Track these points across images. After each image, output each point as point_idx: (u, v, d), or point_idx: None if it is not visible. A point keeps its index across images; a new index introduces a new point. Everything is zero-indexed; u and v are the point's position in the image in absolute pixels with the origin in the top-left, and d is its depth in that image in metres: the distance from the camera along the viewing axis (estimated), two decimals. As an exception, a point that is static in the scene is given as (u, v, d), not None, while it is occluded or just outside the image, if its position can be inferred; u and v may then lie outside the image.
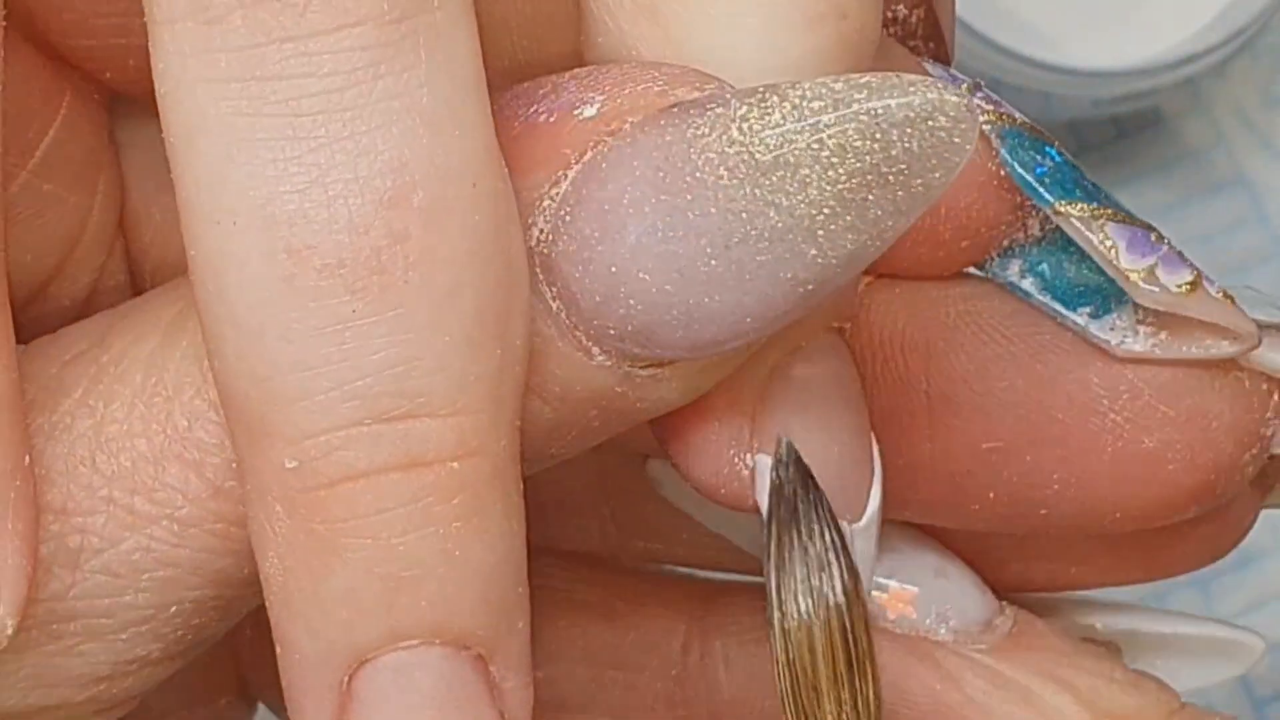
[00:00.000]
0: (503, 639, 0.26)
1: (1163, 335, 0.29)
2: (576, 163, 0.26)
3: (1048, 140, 0.30)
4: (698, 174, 0.25)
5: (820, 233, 0.25)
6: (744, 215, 0.25)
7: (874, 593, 0.32)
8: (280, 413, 0.25)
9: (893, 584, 0.32)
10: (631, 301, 0.25)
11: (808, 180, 0.25)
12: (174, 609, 0.27)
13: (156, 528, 0.27)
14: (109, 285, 0.31)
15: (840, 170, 0.25)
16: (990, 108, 0.29)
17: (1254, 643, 0.35)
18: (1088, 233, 0.29)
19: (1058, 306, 0.30)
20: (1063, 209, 0.29)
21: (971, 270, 0.31)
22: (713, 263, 0.25)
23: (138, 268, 0.31)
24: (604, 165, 0.26)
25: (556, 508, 0.36)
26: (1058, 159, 0.29)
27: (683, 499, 0.34)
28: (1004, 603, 0.33)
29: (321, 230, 0.24)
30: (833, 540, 0.28)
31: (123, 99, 0.30)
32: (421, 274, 0.25)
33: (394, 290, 0.25)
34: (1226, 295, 0.29)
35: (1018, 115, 0.30)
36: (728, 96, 0.25)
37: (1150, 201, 0.61)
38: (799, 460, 0.28)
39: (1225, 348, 0.29)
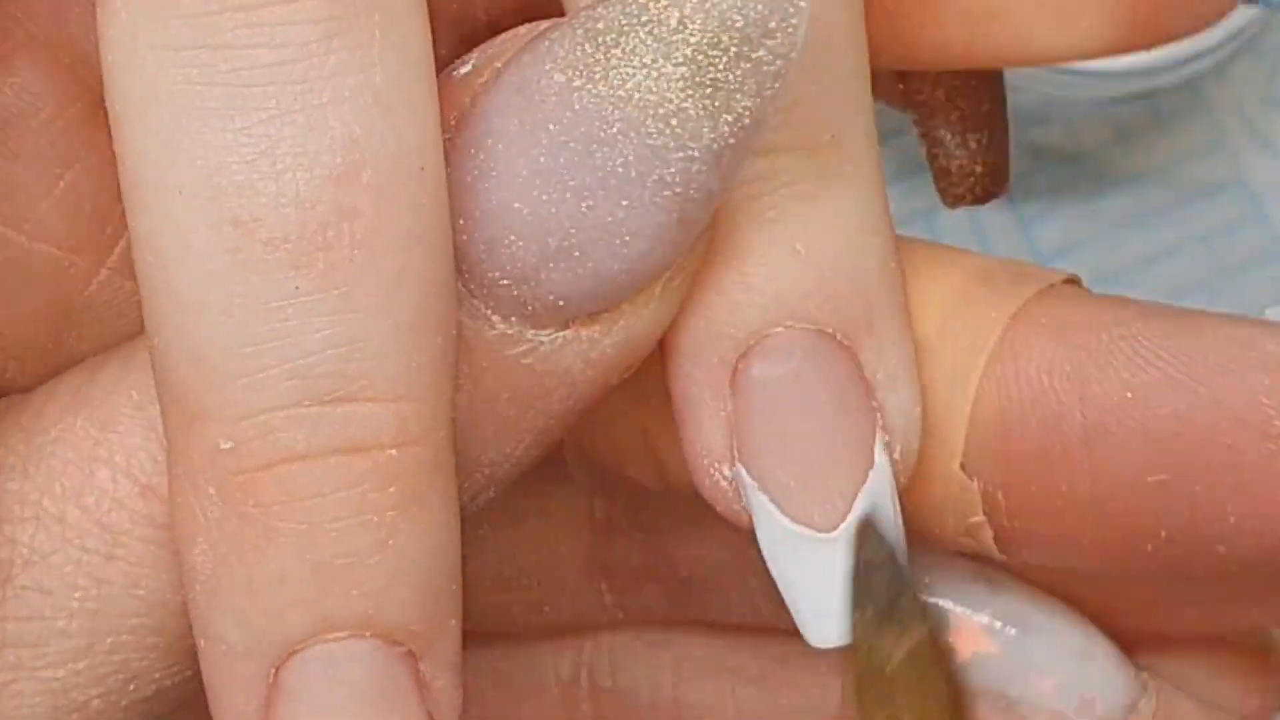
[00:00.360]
0: (435, 636, 0.26)
1: None
2: (456, 122, 0.26)
3: None
4: (552, 83, 0.25)
5: (674, 120, 0.25)
6: (598, 113, 0.25)
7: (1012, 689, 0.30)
8: (217, 391, 0.24)
9: (1033, 675, 0.30)
10: (513, 236, 0.25)
11: (651, 64, 0.25)
12: (110, 641, 0.26)
13: (87, 538, 0.26)
14: None
15: (683, 48, 0.25)
16: None
17: None
18: None
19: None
20: None
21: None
22: (579, 173, 0.25)
23: None
24: (475, 108, 0.25)
25: (702, 584, 0.34)
26: None
27: None
28: (1147, 678, 0.31)
29: (269, 203, 0.24)
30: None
31: None
32: (368, 254, 0.24)
33: (339, 269, 0.24)
34: None
35: None
36: (577, 10, 0.25)
37: (1150, 201, 0.61)
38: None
39: None
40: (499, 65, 0.26)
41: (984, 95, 0.33)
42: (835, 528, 0.27)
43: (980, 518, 0.28)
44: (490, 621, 0.34)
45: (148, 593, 0.26)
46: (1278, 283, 0.59)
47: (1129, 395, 0.27)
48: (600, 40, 0.25)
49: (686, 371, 0.27)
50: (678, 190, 0.25)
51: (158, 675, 0.27)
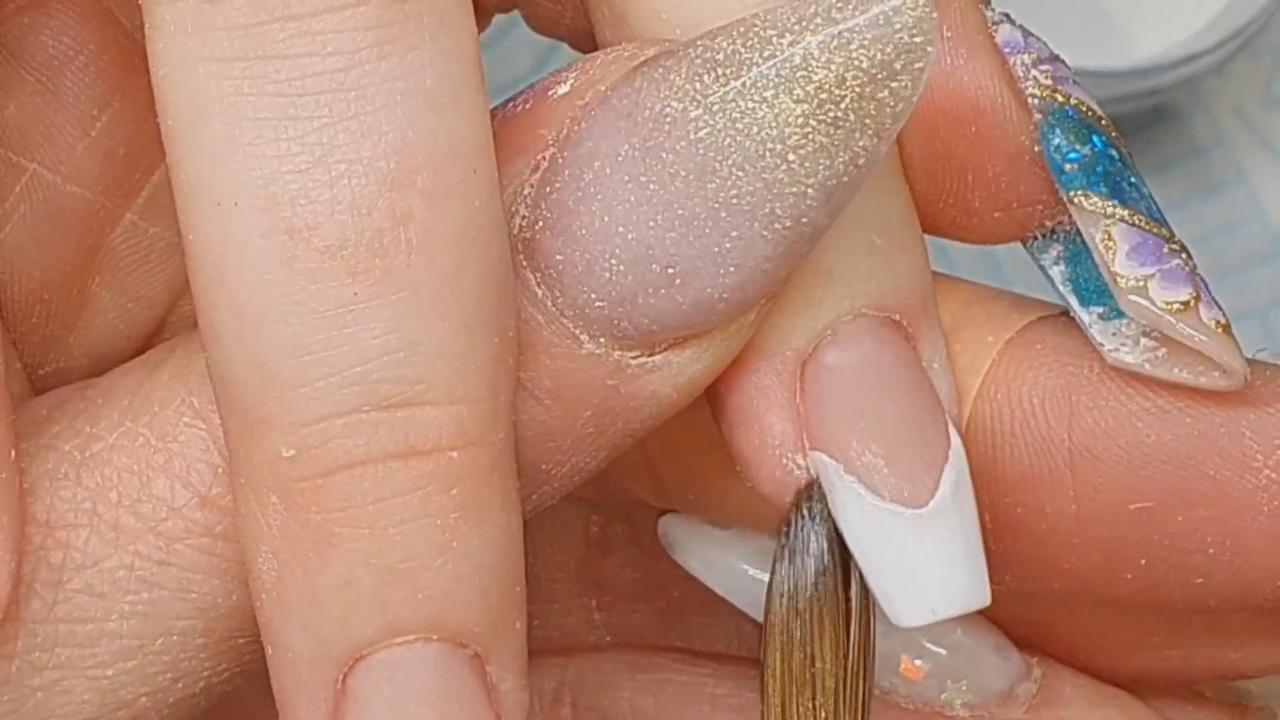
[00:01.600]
0: (500, 638, 0.26)
1: (1161, 352, 0.28)
2: (554, 142, 0.26)
3: (1100, 128, 0.29)
4: (667, 110, 0.25)
5: (791, 157, 0.25)
6: (714, 145, 0.25)
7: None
8: (278, 399, 0.24)
9: (904, 658, 0.31)
10: (614, 261, 0.25)
11: (773, 100, 0.25)
12: (160, 642, 0.27)
13: (141, 543, 0.26)
14: None
15: (805, 85, 0.25)
16: (1048, 83, 0.28)
17: None
18: (1090, 228, 0.28)
19: (1073, 300, 0.29)
20: (1076, 199, 0.28)
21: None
22: (690, 202, 0.25)
23: None
24: (578, 131, 0.25)
25: (691, 607, 0.34)
26: (1100, 147, 0.28)
27: (693, 561, 0.32)
28: (1035, 663, 0.31)
29: (324, 211, 0.24)
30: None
31: None
32: (424, 257, 0.24)
33: (396, 273, 0.24)
34: (1224, 327, 0.28)
35: (1077, 96, 0.29)
36: (691, 39, 0.25)
37: (1150, 201, 0.61)
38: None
39: (1215, 379, 0.27)
40: (602, 88, 0.26)
41: None
42: (926, 503, 0.27)
43: None
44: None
45: (199, 597, 0.26)
46: (1278, 283, 0.59)
47: (1116, 423, 0.28)
48: (720, 72, 0.25)
49: (755, 367, 0.27)
50: (788, 225, 0.25)
51: (205, 673, 0.27)
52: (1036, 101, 0.28)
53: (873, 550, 0.27)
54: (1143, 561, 0.28)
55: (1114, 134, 0.29)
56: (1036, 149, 0.28)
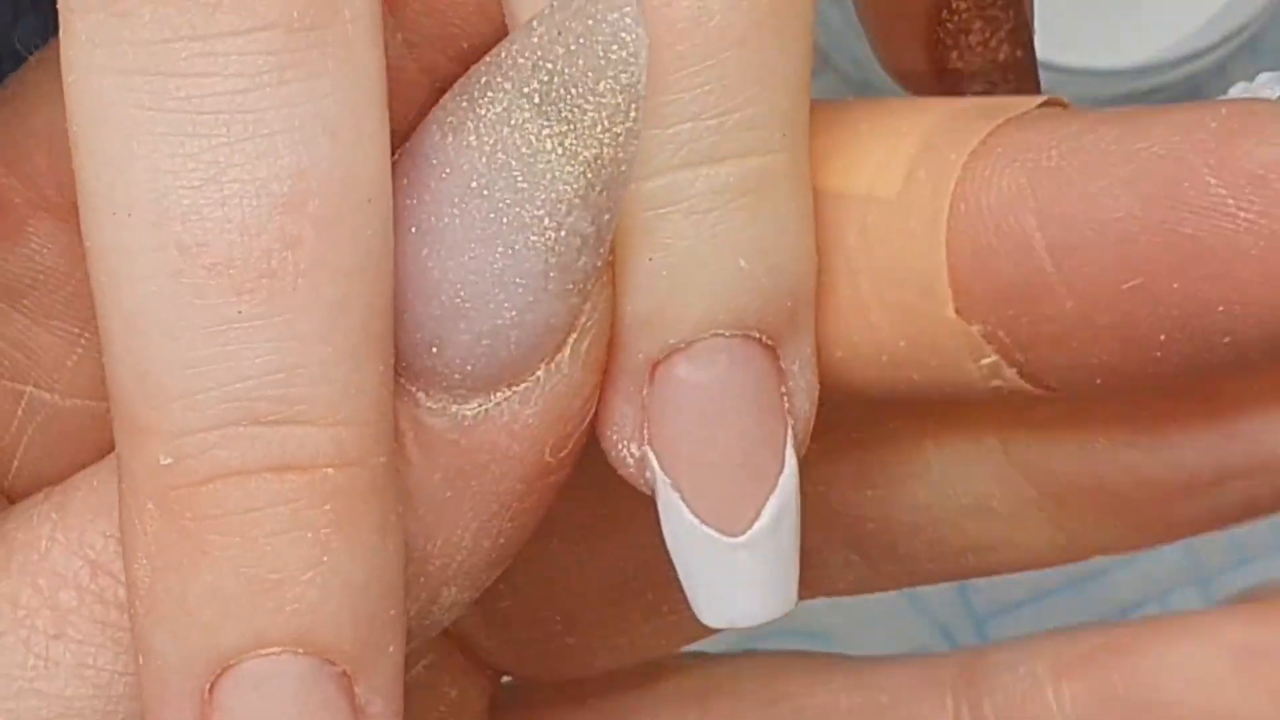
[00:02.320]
0: (370, 659, 0.26)
1: None
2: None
3: None
4: (433, 144, 0.26)
5: (535, 162, 0.25)
6: (470, 167, 0.26)
7: None
8: (159, 409, 0.25)
9: None
10: (415, 300, 0.26)
11: (510, 110, 0.25)
12: None
13: (38, 617, 0.27)
14: None
15: (531, 93, 0.25)
16: None
17: None
18: None
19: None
20: None
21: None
22: (460, 229, 0.26)
23: None
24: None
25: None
26: None
27: None
28: None
29: (214, 229, 0.25)
30: None
31: None
32: (311, 281, 0.25)
33: (282, 296, 0.25)
34: None
35: None
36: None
37: (1151, 200, 0.60)
38: None
39: None
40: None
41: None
42: (743, 533, 0.28)
43: (993, 357, 0.28)
44: (619, 635, 0.35)
45: (94, 674, 0.27)
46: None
47: (1082, 206, 0.27)
48: (472, 94, 0.26)
49: (613, 359, 0.27)
50: (549, 233, 0.26)
51: None
52: None
53: (684, 561, 0.28)
54: (1162, 337, 0.27)
55: None
56: None
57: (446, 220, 0.26)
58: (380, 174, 0.25)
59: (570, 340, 0.27)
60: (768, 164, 0.27)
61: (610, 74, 0.26)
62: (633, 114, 0.26)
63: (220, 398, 0.25)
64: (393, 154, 0.26)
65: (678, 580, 0.31)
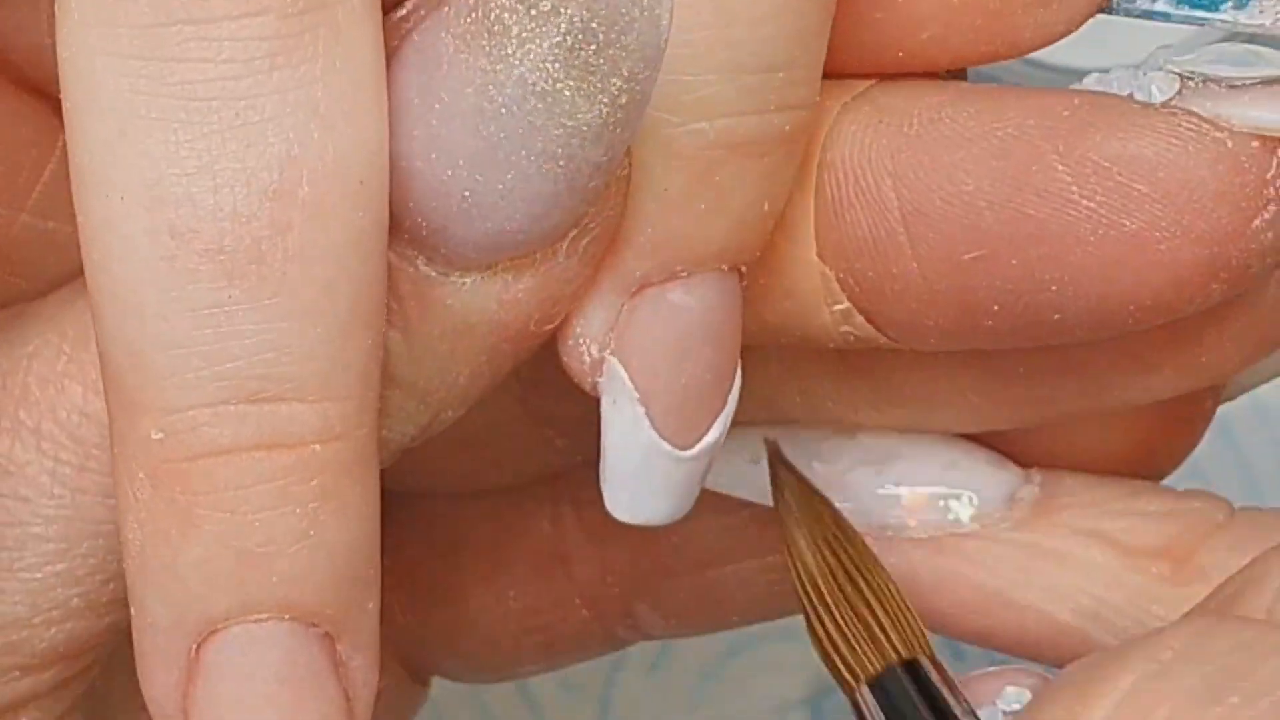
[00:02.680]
0: (352, 618, 0.27)
1: None
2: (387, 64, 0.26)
3: None
4: (445, 51, 0.26)
5: (551, 99, 0.26)
6: (482, 87, 0.26)
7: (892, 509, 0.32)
8: (151, 386, 0.25)
9: (904, 492, 0.32)
10: (419, 193, 0.26)
11: (528, 43, 0.25)
12: (86, 545, 0.28)
13: (60, 449, 0.27)
14: None
15: (555, 31, 0.25)
16: None
17: None
18: None
19: (1199, 13, 0.28)
20: None
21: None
22: (469, 142, 0.26)
23: None
24: (392, 59, 0.26)
25: None
26: None
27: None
28: (1031, 471, 0.32)
29: (206, 216, 0.25)
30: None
31: None
32: (300, 266, 0.25)
33: (271, 280, 0.25)
34: None
35: None
36: None
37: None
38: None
39: None
40: (422, 13, 0.26)
41: None
42: (692, 447, 0.29)
43: (845, 304, 0.30)
44: (458, 479, 0.36)
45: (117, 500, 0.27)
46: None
47: (936, 176, 0.28)
48: (487, 15, 0.26)
49: (605, 268, 0.28)
50: (561, 163, 0.26)
51: None
52: None
53: (622, 464, 0.29)
54: (996, 307, 0.29)
55: None
56: None
57: (458, 134, 0.26)
58: (374, 153, 0.26)
59: (570, 234, 0.27)
60: (805, 119, 0.28)
61: (637, 27, 0.26)
62: (654, 65, 0.26)
63: (211, 377, 0.25)
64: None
65: (515, 440, 0.34)
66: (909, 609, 0.30)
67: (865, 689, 0.30)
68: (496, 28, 0.26)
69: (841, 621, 0.30)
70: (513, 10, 0.25)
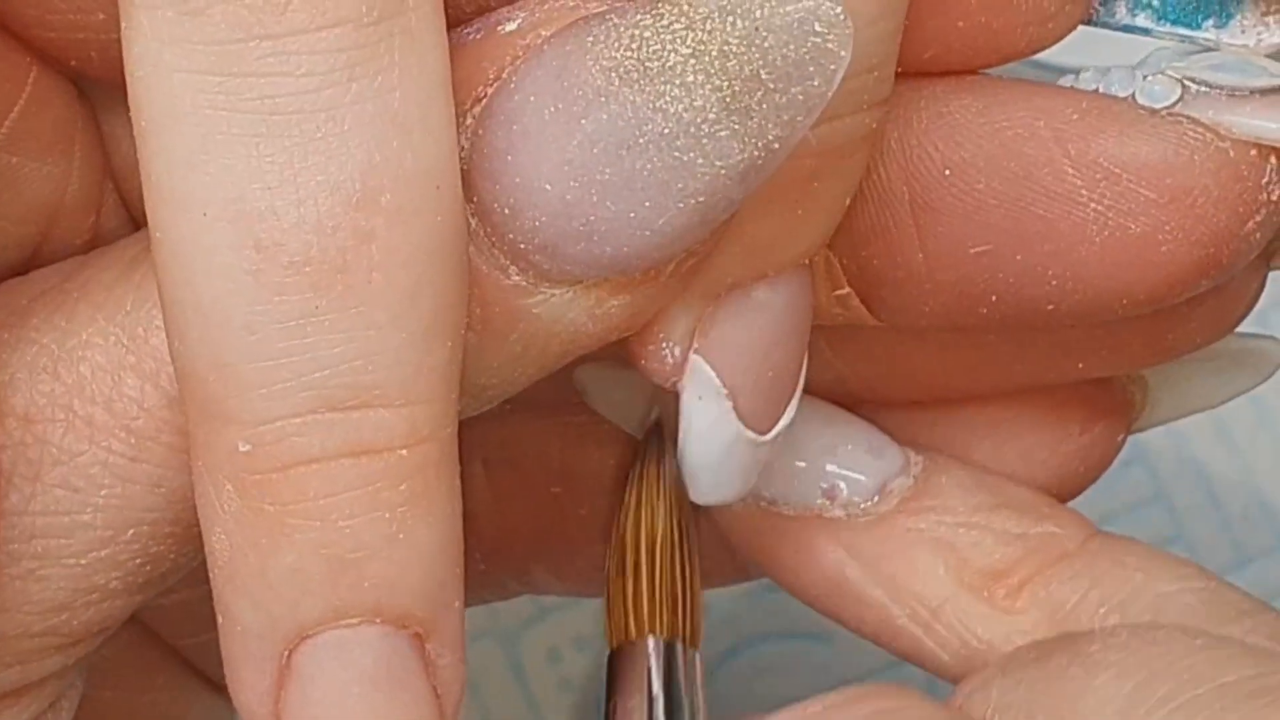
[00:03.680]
0: (440, 617, 0.27)
1: None
2: (495, 79, 0.26)
3: None
4: (592, 80, 0.26)
5: (706, 140, 0.26)
6: (633, 121, 0.26)
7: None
8: (238, 398, 0.25)
9: (777, 475, 0.33)
10: (537, 212, 0.26)
11: (691, 85, 0.25)
12: (131, 532, 0.28)
13: (114, 440, 0.27)
14: (108, 238, 0.31)
15: (722, 76, 0.25)
16: None
17: (1272, 350, 0.34)
18: None
19: (1181, 30, 0.29)
20: None
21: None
22: (607, 171, 0.26)
23: (137, 213, 0.31)
24: (514, 77, 0.26)
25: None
26: None
27: (606, 406, 0.34)
28: (916, 458, 0.33)
29: (290, 228, 0.25)
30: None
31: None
32: (385, 274, 0.25)
33: (357, 290, 0.25)
34: None
35: None
36: (627, 8, 0.26)
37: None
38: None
39: None
40: (544, 34, 0.26)
41: None
42: (769, 432, 0.30)
43: (846, 289, 0.30)
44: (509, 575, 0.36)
45: (169, 490, 0.28)
46: (1278, 278, 0.59)
47: (947, 172, 0.29)
48: (644, 49, 0.26)
49: (696, 279, 0.28)
50: (701, 200, 0.26)
51: (172, 557, 0.28)
52: None
53: (707, 453, 0.30)
54: (993, 298, 0.30)
55: None
56: None
57: (597, 162, 0.26)
58: (448, 159, 0.26)
59: (677, 260, 0.28)
60: (885, 114, 0.29)
61: (808, 82, 0.26)
62: (814, 116, 0.26)
63: (299, 387, 0.25)
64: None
65: (581, 546, 0.34)
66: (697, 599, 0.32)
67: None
68: (654, 65, 0.26)
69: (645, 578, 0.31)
70: (676, 50, 0.26)
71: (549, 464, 0.36)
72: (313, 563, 0.26)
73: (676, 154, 0.26)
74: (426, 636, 0.27)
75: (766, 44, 0.25)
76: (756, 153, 0.26)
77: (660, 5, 0.26)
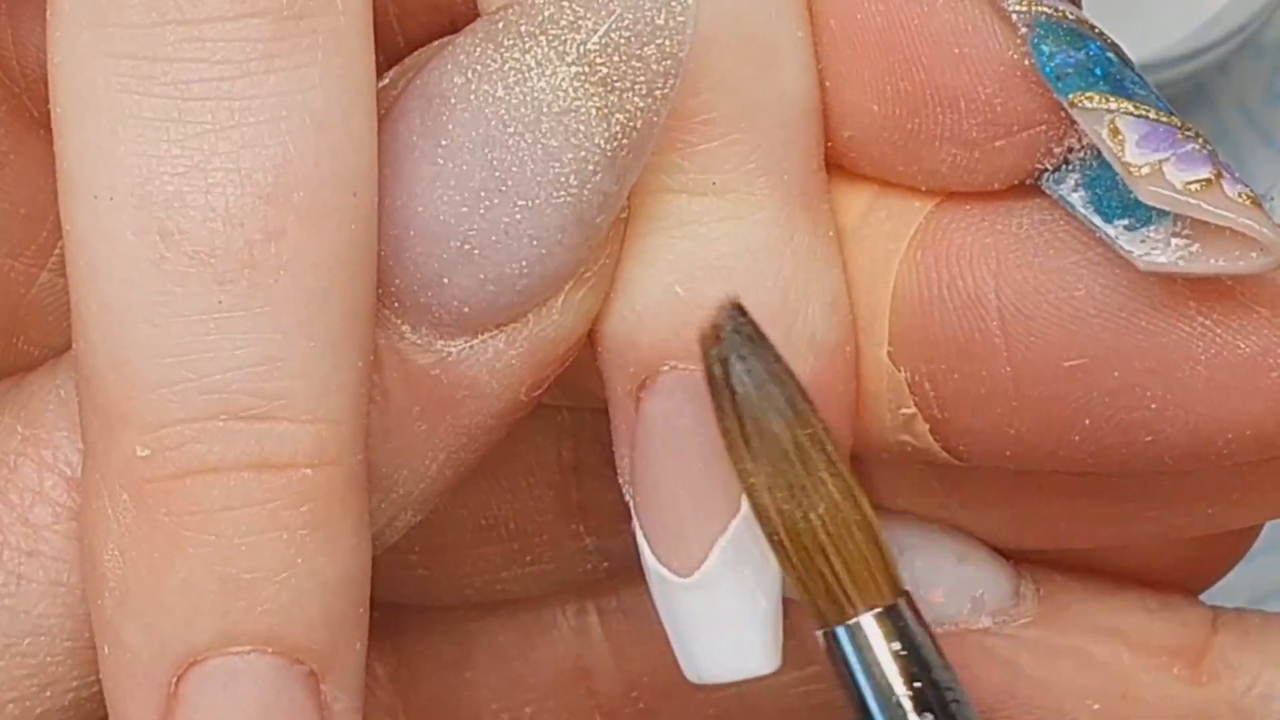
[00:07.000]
0: (338, 657, 0.25)
1: (1194, 248, 0.26)
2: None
3: (1093, 35, 0.27)
4: (453, 84, 0.26)
5: (568, 119, 0.25)
6: (494, 116, 0.25)
7: None
8: (137, 398, 0.24)
9: (921, 590, 0.30)
10: (416, 241, 0.26)
11: (545, 63, 0.25)
12: (28, 642, 0.26)
13: (10, 533, 0.26)
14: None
15: (572, 48, 0.25)
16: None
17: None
18: (1094, 125, 0.26)
19: (1096, 219, 0.27)
20: (1077, 101, 0.26)
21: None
22: (478, 174, 0.25)
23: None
24: (386, 117, 0.26)
25: None
26: (1095, 52, 0.27)
27: None
28: (1018, 566, 0.31)
29: (197, 217, 0.24)
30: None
31: None
32: (293, 274, 0.24)
33: (263, 287, 0.24)
34: (1252, 200, 0.26)
35: (1063, 9, 0.27)
36: (482, 16, 0.26)
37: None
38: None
39: (1254, 260, 0.25)
40: (411, 75, 0.26)
41: None
42: (691, 573, 0.27)
43: (911, 410, 0.28)
44: (477, 576, 0.34)
45: (67, 590, 0.26)
46: None
47: (1045, 279, 0.27)
48: (499, 41, 0.25)
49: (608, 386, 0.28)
50: (572, 191, 0.25)
51: (74, 683, 0.27)
52: (1020, 17, 0.27)
53: (656, 604, 0.28)
54: (1087, 422, 0.27)
55: (1109, 41, 0.27)
56: (1028, 63, 0.27)
57: (465, 167, 0.25)
58: (366, 167, 0.25)
59: (566, 288, 0.27)
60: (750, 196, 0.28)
61: (659, 39, 0.25)
62: (672, 81, 0.25)
63: (199, 389, 0.24)
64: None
65: (545, 532, 0.32)
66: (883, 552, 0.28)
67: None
68: (511, 54, 0.25)
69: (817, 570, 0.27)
70: (529, 34, 0.25)
71: None
72: (205, 579, 0.25)
73: (543, 140, 0.25)
74: (322, 676, 0.25)
75: (612, 6, 0.25)
76: (620, 128, 0.25)
77: (510, 1, 0.26)
